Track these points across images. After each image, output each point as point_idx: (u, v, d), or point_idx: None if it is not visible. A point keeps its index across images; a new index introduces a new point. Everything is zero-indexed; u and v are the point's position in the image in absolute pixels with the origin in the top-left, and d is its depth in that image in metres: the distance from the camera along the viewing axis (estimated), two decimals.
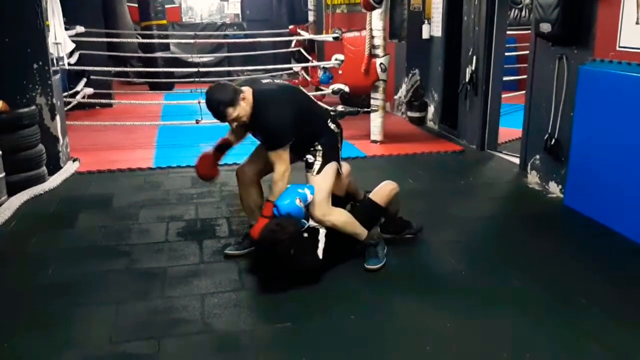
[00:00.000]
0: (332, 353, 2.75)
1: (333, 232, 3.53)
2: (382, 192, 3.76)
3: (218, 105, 3.23)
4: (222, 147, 3.72)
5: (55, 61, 5.77)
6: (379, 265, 3.54)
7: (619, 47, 4.12)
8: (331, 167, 3.55)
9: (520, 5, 8.77)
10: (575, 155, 4.53)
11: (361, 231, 3.61)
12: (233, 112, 3.24)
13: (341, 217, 3.55)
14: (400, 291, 3.36)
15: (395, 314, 3.10)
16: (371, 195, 3.77)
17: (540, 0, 4.63)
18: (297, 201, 3.36)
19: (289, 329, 2.94)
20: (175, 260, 3.72)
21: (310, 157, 3.53)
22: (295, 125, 3.39)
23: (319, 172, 3.50)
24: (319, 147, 3.52)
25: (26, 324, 2.99)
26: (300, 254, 3.32)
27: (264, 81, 3.60)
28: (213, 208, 4.65)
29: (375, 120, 6.78)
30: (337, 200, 3.68)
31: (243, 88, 3.32)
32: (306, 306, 3.18)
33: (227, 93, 3.23)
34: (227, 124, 3.43)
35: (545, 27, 4.63)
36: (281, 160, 3.35)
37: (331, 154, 3.56)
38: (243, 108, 3.27)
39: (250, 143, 3.77)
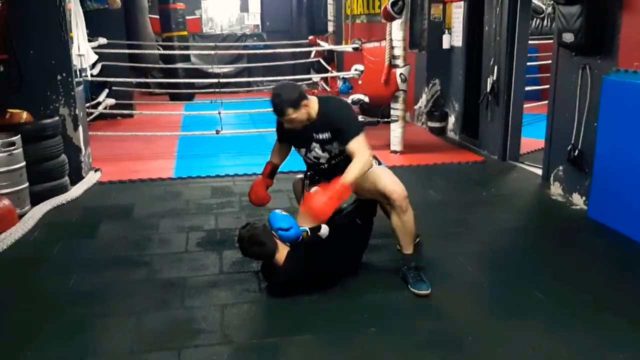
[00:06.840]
0: None
1: (333, 233, 3.46)
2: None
3: (281, 102, 3.32)
4: (271, 173, 3.87)
5: (78, 72, 5.85)
6: (429, 291, 3.37)
7: None
8: None
9: (542, 15, 8.73)
10: (599, 167, 4.46)
11: (412, 241, 3.58)
12: (292, 114, 3.34)
13: (412, 211, 3.50)
14: (422, 303, 3.32)
15: (417, 326, 3.06)
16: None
17: (563, 10, 4.59)
18: (280, 212, 3.42)
19: (309, 340, 2.92)
20: (195, 270, 3.73)
21: None
22: None
23: (379, 163, 3.63)
24: None
25: (48, 333, 3.00)
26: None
27: None
28: (233, 218, 4.65)
29: (396, 131, 6.76)
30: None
31: (309, 96, 3.43)
32: (326, 318, 3.15)
33: (292, 94, 3.32)
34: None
35: (568, 37, 4.59)
36: (363, 147, 3.34)
37: None
38: (302, 113, 3.37)
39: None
